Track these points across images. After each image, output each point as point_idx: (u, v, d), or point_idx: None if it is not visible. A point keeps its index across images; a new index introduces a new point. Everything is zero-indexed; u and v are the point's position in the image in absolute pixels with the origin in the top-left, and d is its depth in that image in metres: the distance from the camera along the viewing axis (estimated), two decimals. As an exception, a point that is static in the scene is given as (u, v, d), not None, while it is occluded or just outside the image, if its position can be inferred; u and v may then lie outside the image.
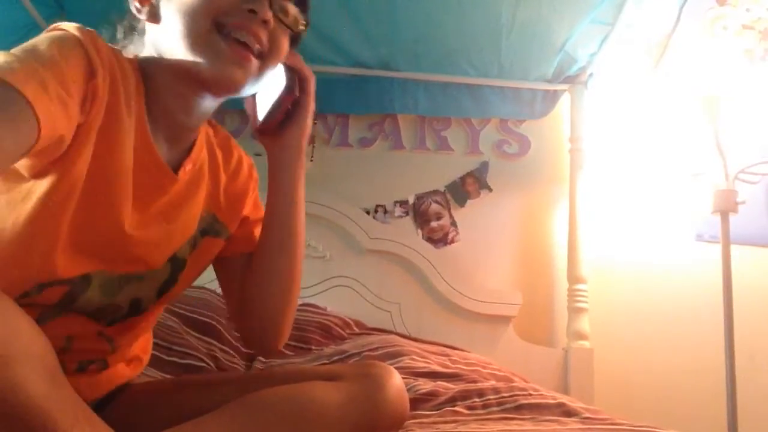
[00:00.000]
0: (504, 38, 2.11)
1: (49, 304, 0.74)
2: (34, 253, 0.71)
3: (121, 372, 0.93)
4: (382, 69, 2.29)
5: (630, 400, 2.16)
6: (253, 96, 0.92)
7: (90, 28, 0.73)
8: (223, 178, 0.94)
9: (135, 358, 0.97)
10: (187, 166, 0.86)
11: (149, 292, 0.86)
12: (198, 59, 0.76)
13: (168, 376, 1.34)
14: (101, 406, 0.89)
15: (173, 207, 0.85)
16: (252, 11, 0.76)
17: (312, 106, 0.94)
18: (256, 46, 0.78)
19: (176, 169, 0.85)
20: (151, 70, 0.80)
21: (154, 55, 0.80)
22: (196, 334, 1.61)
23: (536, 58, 2.21)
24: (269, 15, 0.78)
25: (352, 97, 2.30)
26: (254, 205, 0.99)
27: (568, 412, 1.15)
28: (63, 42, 0.68)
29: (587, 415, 1.14)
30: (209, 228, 0.93)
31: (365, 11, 2.02)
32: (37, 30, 2.02)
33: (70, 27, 0.70)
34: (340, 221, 2.21)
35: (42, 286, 0.72)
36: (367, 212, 2.28)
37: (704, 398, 2.09)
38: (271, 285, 0.92)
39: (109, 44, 0.77)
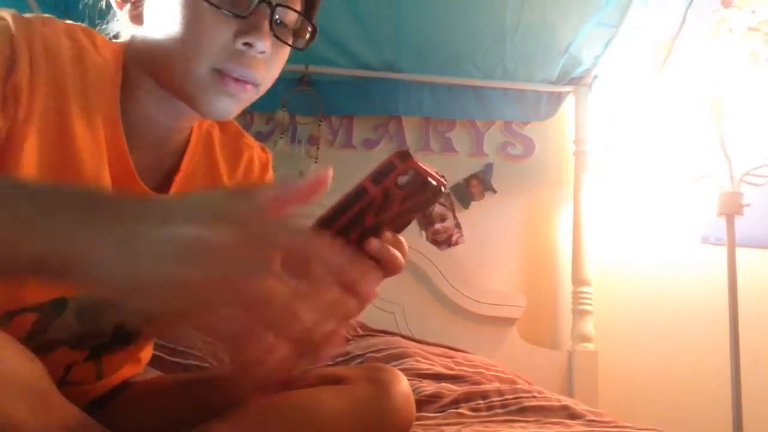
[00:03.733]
0: (509, 40, 2.10)
1: (22, 335, 0.69)
2: None
3: (118, 374, 0.92)
4: (387, 71, 2.29)
5: (634, 403, 2.16)
6: None
7: (43, 15, 0.66)
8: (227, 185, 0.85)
9: (134, 358, 0.95)
10: (177, 177, 0.78)
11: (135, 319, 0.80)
12: (190, 92, 0.69)
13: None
14: (101, 404, 0.88)
15: None
16: (248, 44, 0.67)
17: None
18: (254, 77, 0.70)
19: (163, 177, 0.77)
20: (130, 66, 0.72)
21: (134, 50, 0.71)
22: (200, 335, 1.61)
23: (541, 60, 2.21)
24: (268, 45, 0.68)
25: (357, 99, 2.30)
26: None
27: (573, 415, 1.15)
28: None
29: (591, 417, 1.14)
30: None
31: (370, 13, 2.02)
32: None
33: (7, 15, 0.63)
34: (344, 223, 2.20)
35: (11, 314, 0.68)
36: (371, 214, 2.28)
37: (709, 401, 2.08)
38: None
39: (78, 27, 0.69)
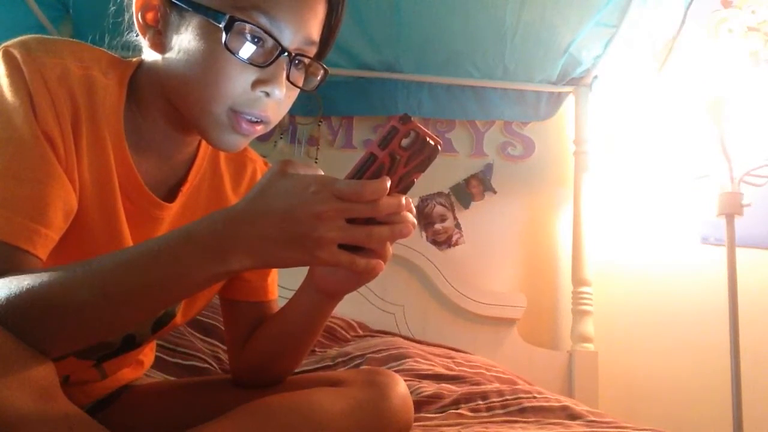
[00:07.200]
0: (508, 40, 2.11)
1: None
2: None
3: (121, 376, 0.93)
4: (387, 71, 2.29)
5: (634, 403, 2.16)
6: None
7: (46, 41, 0.68)
8: (229, 199, 0.87)
9: (136, 361, 0.96)
10: (184, 188, 0.80)
11: (143, 328, 0.82)
12: (204, 126, 0.72)
13: (171, 378, 1.34)
14: (102, 407, 0.89)
15: None
16: (266, 93, 0.70)
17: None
18: (266, 118, 0.72)
19: (171, 190, 0.79)
20: (143, 84, 0.75)
21: (150, 70, 0.74)
22: (200, 336, 1.61)
23: (541, 61, 2.21)
24: (284, 94, 0.71)
25: (357, 99, 2.31)
26: None
27: (573, 416, 1.15)
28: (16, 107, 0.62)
29: (592, 418, 1.14)
30: None
31: (370, 14, 2.02)
32: (43, 32, 2.03)
33: (17, 54, 0.64)
34: (344, 223, 2.20)
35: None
36: (371, 214, 2.28)
37: (709, 401, 2.09)
38: (272, 369, 0.87)
39: (83, 47, 0.71)
